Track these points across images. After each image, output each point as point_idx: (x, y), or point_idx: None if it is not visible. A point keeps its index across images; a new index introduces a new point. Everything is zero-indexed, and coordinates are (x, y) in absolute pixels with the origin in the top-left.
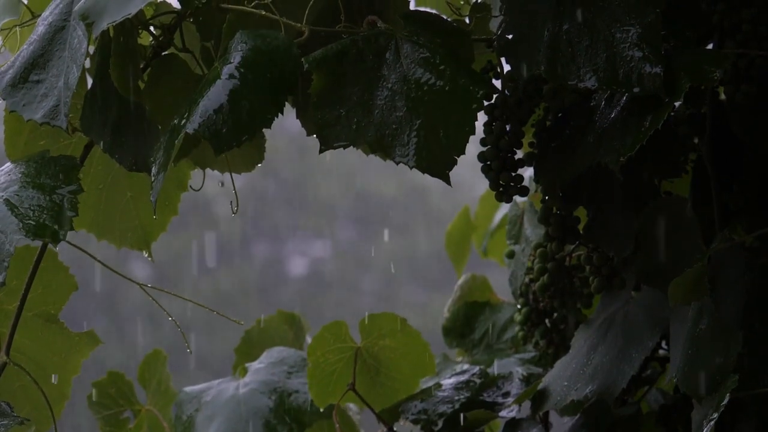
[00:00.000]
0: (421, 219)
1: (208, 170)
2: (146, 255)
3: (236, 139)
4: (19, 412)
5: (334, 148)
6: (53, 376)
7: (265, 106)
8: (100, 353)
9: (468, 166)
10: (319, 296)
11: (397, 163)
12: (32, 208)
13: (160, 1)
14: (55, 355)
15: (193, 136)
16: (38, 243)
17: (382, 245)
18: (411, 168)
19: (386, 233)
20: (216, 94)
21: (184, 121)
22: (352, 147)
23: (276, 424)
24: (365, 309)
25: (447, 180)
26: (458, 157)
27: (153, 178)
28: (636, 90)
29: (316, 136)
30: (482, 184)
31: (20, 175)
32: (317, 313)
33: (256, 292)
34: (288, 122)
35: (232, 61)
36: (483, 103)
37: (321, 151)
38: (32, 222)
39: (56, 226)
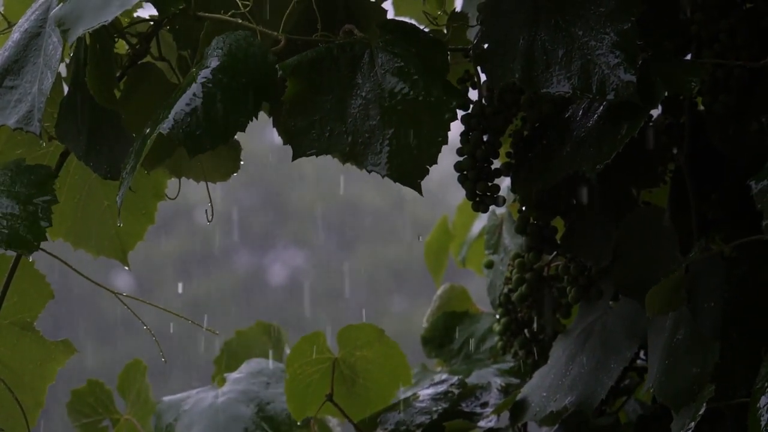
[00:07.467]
0: (404, 228)
1: (191, 180)
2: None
3: (210, 142)
4: None
5: (307, 155)
6: (28, 384)
7: (239, 110)
8: (79, 361)
9: (452, 176)
10: (299, 306)
11: (369, 172)
12: (6, 217)
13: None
14: (31, 363)
15: (167, 141)
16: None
17: (363, 254)
18: (383, 177)
19: (368, 242)
20: (190, 97)
21: (158, 125)
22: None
23: None
24: (347, 319)
25: (419, 189)
26: (430, 166)
27: (120, 182)
28: (610, 97)
29: (289, 144)
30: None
31: None
32: (298, 323)
33: (236, 301)
34: (269, 131)
35: (208, 65)
36: (456, 113)
37: (293, 159)
38: (6, 231)
39: (30, 236)
